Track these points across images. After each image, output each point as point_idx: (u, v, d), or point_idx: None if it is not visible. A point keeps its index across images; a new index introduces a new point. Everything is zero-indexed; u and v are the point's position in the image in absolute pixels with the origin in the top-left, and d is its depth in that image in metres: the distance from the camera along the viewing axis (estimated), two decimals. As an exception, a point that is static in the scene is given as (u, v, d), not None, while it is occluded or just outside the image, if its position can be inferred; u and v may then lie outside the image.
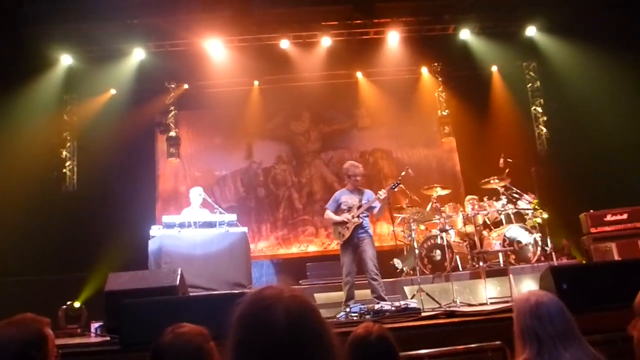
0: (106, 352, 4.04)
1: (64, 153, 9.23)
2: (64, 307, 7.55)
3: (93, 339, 5.54)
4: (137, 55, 9.18)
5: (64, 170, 9.18)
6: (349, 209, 6.10)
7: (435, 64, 10.22)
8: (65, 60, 9.04)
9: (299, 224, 9.98)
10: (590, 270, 4.36)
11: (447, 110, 10.23)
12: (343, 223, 6.03)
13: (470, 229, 7.55)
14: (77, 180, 9.28)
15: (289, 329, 1.10)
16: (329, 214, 6.24)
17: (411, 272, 7.44)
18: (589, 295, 3.83)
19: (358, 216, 6.01)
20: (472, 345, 3.63)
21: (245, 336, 1.13)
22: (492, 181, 7.74)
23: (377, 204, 6.07)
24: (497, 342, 3.59)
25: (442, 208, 7.58)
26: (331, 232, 6.43)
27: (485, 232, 7.68)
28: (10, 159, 7.85)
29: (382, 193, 5.99)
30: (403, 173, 6.58)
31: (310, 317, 1.14)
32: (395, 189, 6.35)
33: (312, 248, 9.88)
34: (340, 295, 6.59)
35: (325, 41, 9.40)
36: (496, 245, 7.18)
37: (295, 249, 9.86)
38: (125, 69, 9.22)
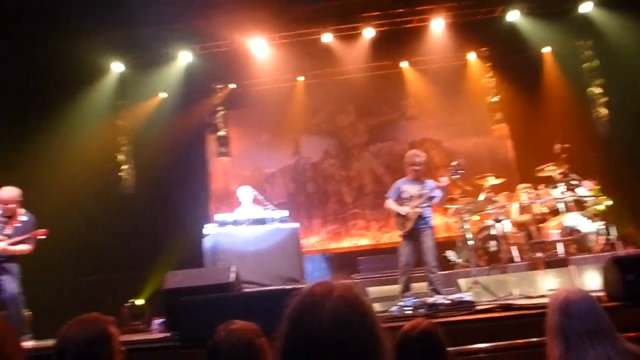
0: (167, 348, 4.19)
1: (120, 157, 9.58)
2: (128, 304, 7.88)
3: (155, 335, 5.74)
4: (184, 58, 9.39)
5: (121, 174, 9.52)
6: (410, 199, 6.00)
7: (483, 48, 9.92)
8: (116, 67, 9.38)
9: (349, 218, 9.97)
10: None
11: (497, 96, 9.93)
12: (404, 214, 5.94)
13: (526, 218, 7.31)
14: (133, 182, 9.62)
15: (334, 328, 1.10)
16: (390, 203, 6.15)
17: (465, 264, 7.30)
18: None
19: (418, 207, 5.90)
20: (531, 340, 3.51)
21: (292, 332, 1.14)
22: (548, 168, 7.45)
23: (438, 193, 5.93)
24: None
25: (495, 197, 7.38)
26: (394, 221, 6.32)
27: (543, 222, 7.41)
28: (69, 165, 8.21)
29: (444, 180, 5.89)
30: (454, 163, 6.36)
31: (357, 318, 1.14)
32: (456, 176, 6.17)
33: (364, 242, 9.86)
34: (393, 288, 6.53)
35: (368, 32, 9.30)
36: (555, 235, 6.91)
37: (346, 243, 9.86)
38: (173, 73, 9.47)
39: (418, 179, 6.12)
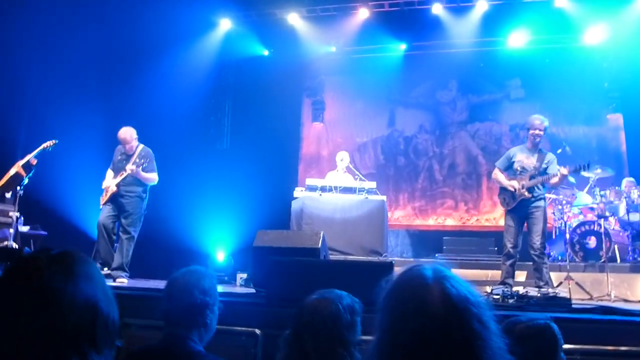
0: (251, 304, 4.32)
1: (220, 112, 9.92)
2: (215, 254, 8.30)
3: (239, 289, 5.98)
4: (292, 20, 9.45)
5: (220, 129, 9.89)
6: (522, 172, 5.50)
7: (604, 29, 9.08)
8: (225, 24, 9.63)
9: (437, 195, 9.74)
10: None
11: (614, 84, 9.12)
12: (511, 190, 5.48)
13: (634, 217, 6.76)
14: (230, 139, 9.96)
15: (444, 311, 1.05)
16: (497, 174, 5.67)
17: (559, 257, 6.93)
18: None
19: (531, 183, 5.41)
20: (634, 348, 3.27)
21: (399, 313, 1.10)
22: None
23: (556, 171, 5.36)
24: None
25: (602, 192, 6.88)
26: (498, 197, 5.86)
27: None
28: (171, 115, 8.58)
29: (565, 170, 5.27)
30: (559, 151, 5.95)
31: (465, 307, 1.08)
32: (580, 173, 5.56)
33: (450, 222, 9.62)
34: (477, 273, 6.35)
35: (481, 5, 8.84)
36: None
37: (431, 221, 9.67)
38: (279, 34, 9.59)
39: (537, 149, 5.56)
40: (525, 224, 5.56)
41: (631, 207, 6.77)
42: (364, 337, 2.45)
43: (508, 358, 1.10)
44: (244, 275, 6.50)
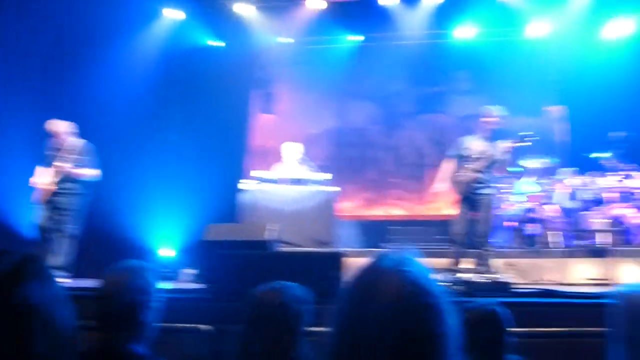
0: (200, 300, 4.24)
1: (167, 103, 9.62)
2: (158, 251, 8.09)
3: (186, 285, 5.85)
4: (241, 9, 9.29)
5: (166, 121, 9.60)
6: (471, 157, 5.58)
7: (547, 22, 9.41)
8: (172, 13, 9.38)
9: (385, 186, 9.88)
10: None
11: (557, 76, 9.49)
12: (460, 175, 5.59)
13: (570, 204, 7.10)
14: (177, 131, 9.67)
15: (389, 306, 1.02)
16: (443, 165, 5.79)
17: (500, 244, 7.17)
18: None
19: (479, 170, 5.53)
20: (572, 329, 3.43)
21: (354, 303, 1.07)
22: (603, 156, 7.17)
23: (501, 158, 5.54)
24: (598, 329, 3.35)
25: (541, 180, 7.18)
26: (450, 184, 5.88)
27: (587, 210, 7.19)
28: (115, 109, 8.25)
29: (506, 145, 5.44)
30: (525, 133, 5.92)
31: (414, 298, 1.06)
32: (521, 144, 5.62)
33: (397, 212, 9.78)
34: (423, 261, 6.47)
35: (429, -2, 9.04)
36: (598, 224, 6.71)
37: (379, 212, 9.81)
38: (229, 24, 9.44)
39: (487, 137, 5.67)
40: (473, 212, 5.67)
41: (568, 195, 7.10)
42: (314, 329, 2.45)
43: (459, 352, 1.09)
44: (192, 271, 6.37)
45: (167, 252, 8.44)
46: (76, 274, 5.88)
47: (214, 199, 8.19)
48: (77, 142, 5.78)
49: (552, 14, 9.02)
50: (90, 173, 5.78)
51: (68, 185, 5.66)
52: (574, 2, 8.81)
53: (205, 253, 4.76)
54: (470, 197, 5.55)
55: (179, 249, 8.36)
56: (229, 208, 7.25)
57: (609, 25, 9.00)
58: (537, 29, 9.33)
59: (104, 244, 7.25)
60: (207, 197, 8.26)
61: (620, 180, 7.09)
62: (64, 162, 5.51)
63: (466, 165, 5.57)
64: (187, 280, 6.32)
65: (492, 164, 5.59)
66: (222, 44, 9.84)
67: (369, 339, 1.02)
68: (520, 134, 5.62)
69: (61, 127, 5.70)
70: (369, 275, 1.09)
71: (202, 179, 8.62)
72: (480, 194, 5.53)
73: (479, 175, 5.51)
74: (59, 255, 5.51)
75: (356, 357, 1.03)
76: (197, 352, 3.65)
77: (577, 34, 9.04)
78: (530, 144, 5.61)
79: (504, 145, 5.46)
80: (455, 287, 4.47)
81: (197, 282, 5.34)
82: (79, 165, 5.61)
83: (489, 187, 5.64)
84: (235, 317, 2.36)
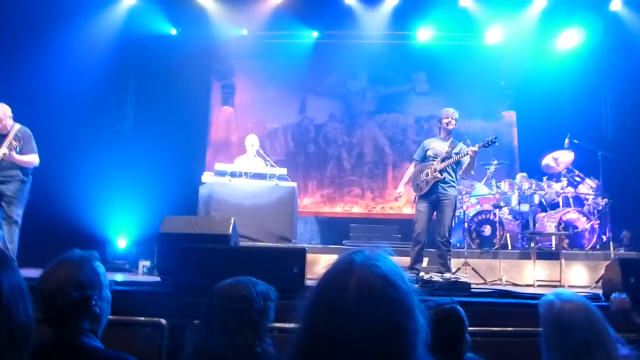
0: (156, 294, 4.12)
1: (122, 92, 9.33)
2: (115, 242, 7.85)
3: (142, 277, 5.70)
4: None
5: (122, 109, 9.30)
6: (435, 157, 5.66)
7: (502, 30, 9.68)
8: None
9: (345, 183, 9.93)
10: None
11: (510, 83, 9.80)
12: (423, 175, 5.62)
13: (525, 208, 7.32)
14: (132, 120, 9.40)
15: (357, 300, 1.00)
16: (409, 169, 5.86)
17: (457, 244, 7.33)
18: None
19: (443, 170, 5.58)
20: (527, 329, 3.52)
21: (321, 300, 1.04)
22: (553, 161, 7.45)
23: (466, 161, 5.60)
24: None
25: (497, 184, 7.38)
26: (411, 183, 5.93)
27: (540, 213, 7.44)
28: (65, 94, 7.91)
29: (473, 149, 5.49)
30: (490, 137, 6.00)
31: (383, 293, 1.04)
32: (488, 147, 5.69)
33: (357, 209, 9.85)
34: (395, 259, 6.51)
35: (392, -3, 9.10)
36: (551, 227, 6.95)
37: (339, 209, 9.84)
38: (189, 13, 9.13)
39: (449, 138, 5.78)
40: (435, 212, 5.75)
41: (522, 199, 7.33)
42: (277, 325, 2.41)
43: (425, 349, 1.08)
44: (148, 263, 6.21)
45: (123, 243, 8.18)
46: (22, 263, 5.61)
47: (173, 191, 8.01)
48: (20, 128, 5.46)
49: (509, 22, 9.28)
50: (33, 160, 5.48)
51: (13, 172, 5.36)
52: (529, 12, 9.08)
53: (162, 245, 4.63)
54: (433, 198, 5.61)
55: (136, 240, 8.12)
56: (188, 200, 7.12)
57: (562, 35, 9.34)
58: (495, 35, 9.57)
59: (57, 233, 6.95)
60: (166, 188, 8.05)
61: (571, 186, 7.37)
62: (7, 150, 5.21)
63: (430, 166, 5.64)
64: (143, 273, 6.15)
65: (456, 166, 5.68)
66: (180, 33, 9.53)
67: (340, 333, 1.00)
68: (488, 139, 5.70)
69: (2, 111, 5.37)
70: (341, 270, 1.07)
71: (161, 170, 8.39)
72: (444, 194, 5.60)
73: (443, 176, 5.58)
74: (8, 244, 5.25)
75: (327, 352, 1.00)
76: (152, 346, 3.54)
77: (531, 42, 9.36)
78: (495, 144, 5.71)
79: (471, 148, 5.54)
80: (416, 285, 4.51)
81: (153, 275, 5.21)
82: (22, 152, 5.31)
83: (452, 188, 5.73)
84: (193, 311, 2.30)
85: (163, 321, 3.62)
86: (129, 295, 3.98)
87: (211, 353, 1.98)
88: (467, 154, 5.52)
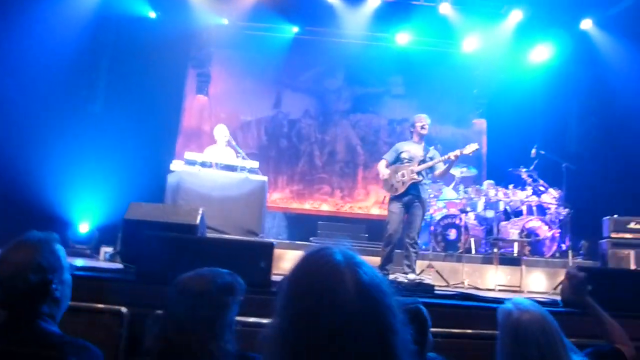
0: (118, 281, 4.02)
1: (95, 72, 9.08)
2: (77, 225, 7.64)
3: (103, 263, 5.57)
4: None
5: (93, 90, 9.05)
6: (410, 160, 5.68)
7: (478, 39, 9.87)
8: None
9: (315, 181, 9.94)
10: (619, 276, 4.23)
11: (483, 92, 9.99)
12: (399, 176, 5.62)
13: (490, 214, 7.47)
14: (103, 102, 9.16)
15: (357, 299, 1.00)
16: (381, 165, 5.79)
17: (423, 247, 7.42)
18: (611, 300, 3.74)
19: (419, 172, 5.61)
20: (487, 332, 3.58)
21: (310, 301, 1.02)
22: (520, 170, 7.62)
23: (441, 168, 5.67)
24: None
25: (465, 189, 7.51)
26: (383, 184, 5.93)
27: (504, 220, 7.61)
28: (35, 73, 7.66)
29: (455, 154, 5.54)
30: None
31: (377, 293, 1.04)
32: (471, 155, 5.78)
33: (325, 207, 9.87)
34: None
35: (374, 0, 9.12)
36: (514, 234, 7.11)
37: (308, 206, 9.85)
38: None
39: (421, 141, 5.84)
40: (406, 214, 5.78)
41: (488, 205, 7.48)
42: (243, 319, 2.38)
43: (412, 348, 1.09)
44: (110, 249, 6.07)
45: (85, 227, 7.97)
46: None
47: (141, 178, 7.83)
48: None
49: (485, 32, 9.47)
50: None
51: None
52: (505, 25, 9.29)
53: (127, 232, 4.53)
54: (407, 199, 5.65)
55: (98, 225, 7.92)
56: (155, 188, 6.99)
57: (535, 49, 9.59)
58: (471, 44, 9.74)
59: (14, 212, 6.71)
60: (133, 174, 7.86)
61: (535, 195, 7.57)
62: None
63: (406, 168, 5.67)
64: (104, 259, 6.02)
65: (429, 170, 5.75)
66: (159, 16, 9.36)
67: (324, 333, 0.99)
68: (473, 148, 5.78)
69: None
70: (329, 269, 1.05)
71: (129, 154, 8.20)
72: (418, 197, 5.65)
73: (420, 178, 5.64)
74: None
75: (311, 352, 0.99)
76: (112, 334, 3.47)
77: (505, 54, 9.57)
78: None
79: (454, 153, 5.59)
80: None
81: (115, 261, 5.10)
82: None
83: (425, 191, 5.81)
84: (156, 300, 2.25)
85: (124, 309, 3.54)
86: (89, 281, 3.88)
87: (164, 347, 1.91)
88: (449, 157, 5.58)
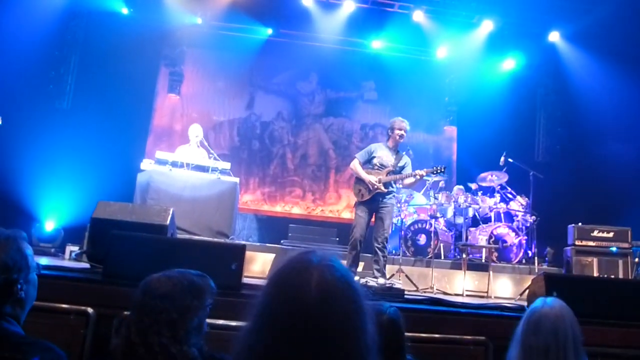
0: (84, 280, 3.92)
1: (64, 68, 8.86)
2: (42, 223, 7.44)
3: (69, 262, 5.43)
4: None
5: (61, 86, 8.82)
6: (381, 168, 5.67)
7: (449, 48, 10.03)
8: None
9: (287, 183, 9.91)
10: (583, 283, 4.34)
11: (454, 99, 10.16)
12: (367, 182, 5.61)
13: (459, 220, 7.58)
14: (72, 99, 8.94)
15: (319, 298, 1.02)
16: (356, 165, 5.75)
17: (393, 251, 7.47)
18: (574, 307, 3.84)
19: (387, 184, 5.63)
20: (455, 336, 3.64)
21: (277, 298, 1.05)
22: (489, 177, 7.76)
23: (410, 180, 5.71)
24: (482, 337, 3.60)
25: (436, 195, 7.60)
26: (352, 187, 5.94)
27: (473, 226, 7.74)
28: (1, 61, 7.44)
29: (422, 172, 5.62)
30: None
31: (342, 293, 1.06)
32: (433, 176, 5.91)
33: (296, 210, 9.85)
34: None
35: (348, 5, 9.16)
36: (482, 240, 7.23)
37: (279, 208, 9.81)
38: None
39: (396, 148, 5.85)
40: (374, 218, 5.80)
41: (458, 211, 7.59)
42: (212, 321, 2.34)
43: (376, 347, 1.09)
44: (76, 249, 5.93)
45: (50, 225, 7.76)
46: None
47: (109, 176, 7.65)
48: None
49: (457, 41, 9.65)
50: None
51: None
52: (477, 34, 9.49)
53: (94, 231, 4.43)
54: (374, 205, 5.67)
55: (65, 224, 7.73)
56: (124, 187, 6.86)
57: (505, 60, 9.83)
58: (443, 52, 9.90)
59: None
60: (102, 173, 7.69)
61: (503, 202, 7.72)
62: None
63: (375, 175, 5.68)
64: (70, 258, 5.87)
65: (399, 177, 5.75)
66: (131, 13, 9.18)
67: (301, 332, 1.00)
68: (437, 167, 5.94)
69: None
70: (300, 269, 1.07)
71: (98, 152, 8.04)
72: (385, 201, 5.67)
73: (387, 189, 5.66)
74: None
75: (286, 351, 1.00)
76: (76, 335, 3.38)
77: (476, 63, 9.76)
78: (442, 178, 5.85)
79: (419, 172, 5.66)
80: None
81: (81, 261, 4.98)
82: None
83: (393, 198, 5.83)
84: (123, 301, 2.20)
85: (89, 310, 3.45)
86: (55, 280, 3.78)
87: (127, 349, 1.86)
88: (415, 175, 5.64)
